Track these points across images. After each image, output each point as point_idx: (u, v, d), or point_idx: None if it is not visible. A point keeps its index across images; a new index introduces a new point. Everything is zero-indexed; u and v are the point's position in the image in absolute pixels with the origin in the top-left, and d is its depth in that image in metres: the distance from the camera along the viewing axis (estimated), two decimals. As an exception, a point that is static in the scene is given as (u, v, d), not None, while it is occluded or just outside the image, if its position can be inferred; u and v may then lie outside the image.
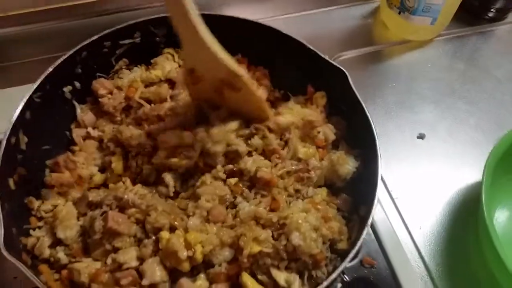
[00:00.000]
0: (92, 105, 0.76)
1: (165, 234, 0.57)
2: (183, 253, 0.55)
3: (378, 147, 0.63)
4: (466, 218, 0.82)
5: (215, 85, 0.65)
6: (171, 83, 0.77)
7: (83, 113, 0.75)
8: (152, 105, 0.74)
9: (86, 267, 0.57)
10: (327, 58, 0.70)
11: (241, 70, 0.63)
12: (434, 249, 0.78)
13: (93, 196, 0.62)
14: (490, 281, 0.74)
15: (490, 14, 1.08)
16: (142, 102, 0.73)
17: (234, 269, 0.58)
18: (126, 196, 0.60)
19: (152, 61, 0.77)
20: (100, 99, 0.74)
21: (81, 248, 0.60)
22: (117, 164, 0.70)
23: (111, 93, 0.75)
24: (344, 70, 0.68)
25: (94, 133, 0.74)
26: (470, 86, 0.99)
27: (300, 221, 0.58)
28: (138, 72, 0.77)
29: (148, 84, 0.76)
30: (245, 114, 0.68)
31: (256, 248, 0.57)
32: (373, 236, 0.75)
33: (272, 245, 0.58)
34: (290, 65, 0.76)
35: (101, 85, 0.74)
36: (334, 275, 0.53)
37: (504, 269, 0.66)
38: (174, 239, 0.56)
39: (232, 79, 0.63)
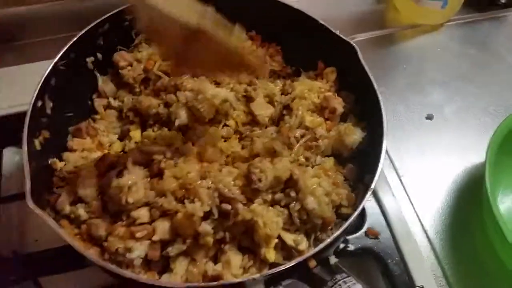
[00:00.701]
0: (113, 76, 0.80)
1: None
2: None
3: (384, 118, 0.66)
4: (470, 198, 0.84)
5: (179, 43, 0.58)
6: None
7: (104, 83, 0.79)
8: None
9: (103, 222, 0.61)
10: (338, 33, 0.73)
11: (200, 21, 0.55)
12: (438, 224, 0.81)
13: (112, 155, 0.66)
14: (493, 257, 0.76)
15: (502, 0, 1.09)
16: (160, 74, 0.76)
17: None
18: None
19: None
20: (120, 71, 0.77)
21: (100, 205, 0.64)
22: (135, 132, 0.74)
23: (131, 65, 0.78)
24: (354, 45, 0.71)
25: (115, 103, 0.78)
26: (480, 70, 1.00)
27: (314, 186, 0.61)
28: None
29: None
30: (228, 71, 0.64)
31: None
32: (378, 210, 0.77)
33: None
34: (302, 41, 0.78)
35: (122, 57, 0.78)
36: (337, 233, 0.56)
37: (508, 247, 0.68)
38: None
39: (192, 34, 0.56)
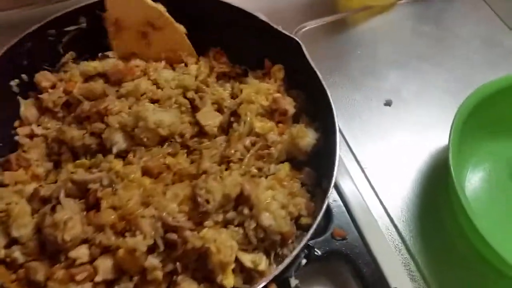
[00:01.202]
0: (36, 100, 0.72)
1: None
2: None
3: (335, 117, 0.62)
4: (437, 183, 0.81)
5: (139, 30, 0.71)
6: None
7: (26, 109, 0.71)
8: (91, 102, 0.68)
9: (42, 264, 0.56)
10: (280, 28, 0.68)
11: (160, 6, 0.70)
12: (407, 216, 0.78)
13: (44, 190, 0.60)
14: (465, 244, 0.73)
15: (453, -26, 1.06)
16: (80, 98, 0.69)
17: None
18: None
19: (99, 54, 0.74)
20: (39, 95, 0.70)
21: (37, 246, 0.58)
22: (67, 164, 0.67)
23: (53, 86, 0.71)
24: (298, 40, 0.66)
25: (38, 130, 0.70)
26: (436, 48, 0.97)
27: (268, 200, 0.57)
28: (84, 66, 0.73)
29: (87, 77, 0.72)
30: (172, 57, 0.73)
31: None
32: (343, 208, 0.73)
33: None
34: (246, 40, 0.73)
35: (44, 78, 0.71)
36: (298, 249, 0.52)
37: (476, 231, 0.66)
38: None
39: (154, 19, 0.70)
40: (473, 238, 0.72)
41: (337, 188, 0.75)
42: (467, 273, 0.73)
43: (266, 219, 0.56)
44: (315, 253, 0.68)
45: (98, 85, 0.69)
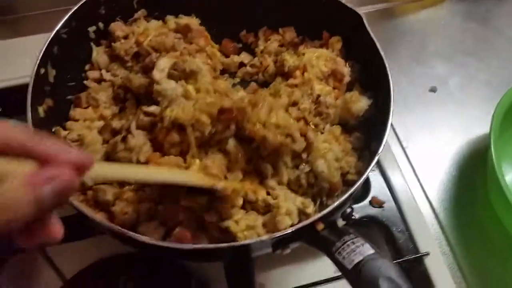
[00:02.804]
0: (107, 47, 0.77)
1: None
2: None
3: (391, 86, 0.65)
4: (474, 168, 0.84)
5: None
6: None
7: (98, 55, 0.76)
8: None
9: (111, 187, 0.61)
10: (343, 1, 0.72)
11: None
12: (442, 195, 0.81)
13: (115, 123, 0.65)
14: (496, 225, 0.77)
15: (505, -25, 1.08)
16: (149, 49, 0.73)
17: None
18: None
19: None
20: (113, 43, 0.75)
21: (106, 173, 0.63)
22: (131, 108, 0.71)
23: (125, 37, 0.76)
24: (359, 13, 0.70)
25: (107, 76, 0.75)
26: (481, 44, 1.00)
27: (325, 150, 0.61)
28: (154, 23, 0.78)
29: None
30: None
31: None
32: (383, 180, 0.77)
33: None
34: (305, 11, 0.77)
35: (119, 28, 0.76)
36: (345, 197, 0.56)
37: (511, 212, 0.68)
38: None
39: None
40: (506, 222, 0.75)
41: (377, 161, 0.78)
42: (493, 253, 0.76)
43: (321, 165, 0.60)
44: (353, 216, 0.72)
45: (169, 39, 0.73)
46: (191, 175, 0.56)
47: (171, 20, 0.79)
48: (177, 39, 0.75)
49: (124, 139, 0.62)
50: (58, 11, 0.72)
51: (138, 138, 0.61)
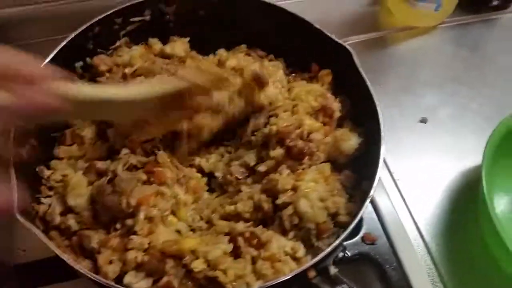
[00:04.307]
0: (90, 81, 0.75)
1: None
2: None
3: (381, 124, 0.65)
4: (466, 201, 0.83)
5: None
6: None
7: None
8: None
9: (96, 233, 0.59)
10: (333, 36, 0.72)
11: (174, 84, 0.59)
12: (434, 229, 0.80)
13: (101, 164, 0.64)
14: (489, 260, 0.75)
15: (495, 2, 1.09)
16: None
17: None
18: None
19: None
20: (98, 78, 0.74)
21: (91, 215, 0.62)
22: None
23: (110, 70, 0.75)
24: (349, 48, 0.70)
25: None
26: (473, 72, 1.00)
27: (308, 190, 0.60)
28: (138, 50, 0.77)
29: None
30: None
31: None
32: (374, 215, 0.76)
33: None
34: (295, 45, 0.77)
35: (101, 62, 0.75)
36: (336, 242, 0.55)
37: (503, 248, 0.67)
38: None
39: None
40: (498, 257, 0.74)
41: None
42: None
43: (303, 205, 0.59)
44: (345, 254, 0.71)
45: (156, 66, 0.72)
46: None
47: (156, 45, 0.78)
48: (165, 65, 0.74)
49: (109, 181, 0.61)
50: (51, 40, 0.71)
51: (127, 181, 0.59)
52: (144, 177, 0.62)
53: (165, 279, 0.55)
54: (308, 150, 0.64)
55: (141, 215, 0.58)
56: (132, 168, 0.64)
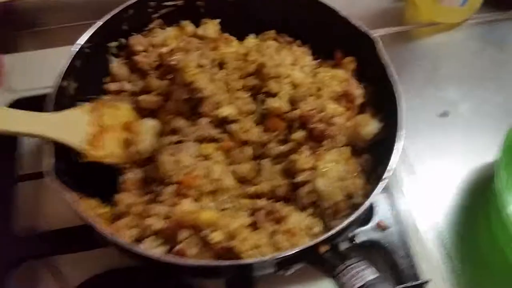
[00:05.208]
0: (126, 60, 0.79)
1: None
2: None
3: (401, 110, 0.67)
4: (480, 197, 0.83)
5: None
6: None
7: (118, 67, 0.79)
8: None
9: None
10: (358, 24, 0.74)
11: None
12: (447, 222, 0.81)
13: (179, 122, 0.69)
14: (499, 256, 0.76)
15: (523, 1, 1.08)
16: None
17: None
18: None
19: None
20: (134, 57, 0.78)
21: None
22: None
23: (145, 50, 0.78)
24: (374, 37, 0.72)
25: (128, 86, 0.78)
26: (496, 69, 1.00)
27: (326, 169, 0.62)
28: (171, 32, 0.80)
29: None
30: None
31: None
32: (388, 205, 0.77)
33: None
34: (320, 33, 0.79)
35: (138, 42, 0.78)
36: (350, 219, 0.57)
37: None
38: None
39: None
40: (507, 250, 0.75)
41: (385, 184, 0.78)
42: (495, 282, 0.76)
43: (321, 183, 0.62)
44: (356, 240, 0.72)
45: (192, 45, 0.74)
46: None
47: (188, 26, 0.81)
48: (200, 44, 0.77)
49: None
50: (83, 25, 0.74)
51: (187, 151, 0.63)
52: (209, 150, 0.65)
53: (177, 247, 0.57)
54: (329, 132, 0.67)
55: (171, 188, 0.61)
56: (203, 140, 0.67)
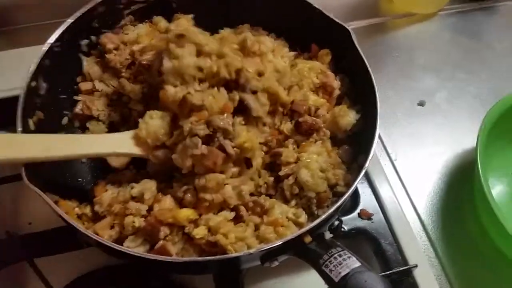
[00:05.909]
0: (97, 58, 0.77)
1: None
2: None
3: (378, 100, 0.66)
4: (462, 182, 0.85)
5: None
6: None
7: (89, 66, 0.77)
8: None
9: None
10: (331, 16, 0.74)
11: None
12: (430, 207, 0.82)
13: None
14: (483, 238, 0.78)
15: (494, -10, 1.11)
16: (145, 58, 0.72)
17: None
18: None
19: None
20: (106, 55, 0.75)
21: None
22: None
23: (117, 48, 0.76)
24: (349, 28, 0.72)
25: (100, 86, 0.76)
26: (470, 58, 1.02)
27: (309, 160, 0.62)
28: (143, 28, 0.78)
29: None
30: None
31: None
32: (371, 193, 0.78)
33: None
34: (295, 26, 0.79)
35: (109, 40, 0.76)
36: (333, 209, 0.57)
37: (499, 229, 0.69)
38: None
39: None
40: (493, 235, 0.76)
41: (366, 174, 0.79)
42: (481, 265, 0.77)
43: (304, 175, 0.62)
44: (342, 229, 0.73)
45: (163, 42, 0.71)
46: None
47: (161, 22, 0.79)
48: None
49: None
50: (53, 23, 0.72)
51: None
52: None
53: (159, 244, 0.57)
54: (316, 126, 0.67)
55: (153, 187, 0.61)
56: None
